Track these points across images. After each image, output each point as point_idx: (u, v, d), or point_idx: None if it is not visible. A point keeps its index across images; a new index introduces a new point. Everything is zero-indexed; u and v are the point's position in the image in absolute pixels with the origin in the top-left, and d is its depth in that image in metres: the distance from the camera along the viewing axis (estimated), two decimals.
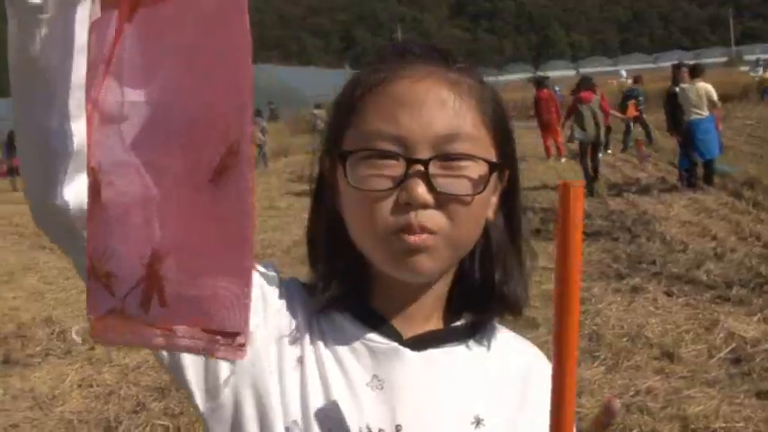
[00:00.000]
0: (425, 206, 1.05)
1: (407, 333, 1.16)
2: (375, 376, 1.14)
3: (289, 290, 1.20)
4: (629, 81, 28.63)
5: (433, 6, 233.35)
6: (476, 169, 1.08)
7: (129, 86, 0.86)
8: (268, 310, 1.15)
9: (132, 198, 0.87)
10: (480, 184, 1.08)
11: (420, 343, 1.16)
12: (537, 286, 8.38)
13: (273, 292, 1.17)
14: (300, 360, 1.14)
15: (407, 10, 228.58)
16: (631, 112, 20.28)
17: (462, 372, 1.18)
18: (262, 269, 1.19)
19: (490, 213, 1.16)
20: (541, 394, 1.23)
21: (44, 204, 1.00)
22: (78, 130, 0.94)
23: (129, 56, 0.86)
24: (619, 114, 18.80)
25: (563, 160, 19.46)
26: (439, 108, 1.07)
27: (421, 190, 1.04)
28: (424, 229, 1.06)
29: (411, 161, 1.05)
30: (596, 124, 15.12)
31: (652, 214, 11.78)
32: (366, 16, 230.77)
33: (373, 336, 1.15)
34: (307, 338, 1.16)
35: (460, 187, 1.07)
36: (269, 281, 1.18)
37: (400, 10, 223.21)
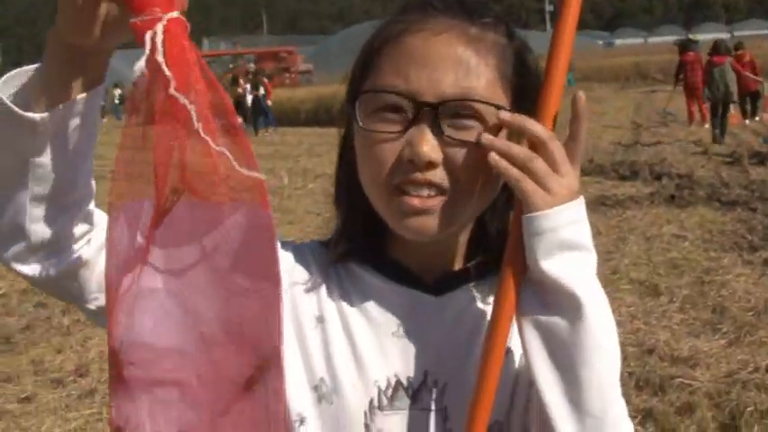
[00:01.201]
0: (431, 164, 1.04)
1: (429, 279, 1.17)
2: (400, 325, 1.15)
3: (300, 254, 1.22)
4: None
5: None
6: (486, 122, 1.06)
7: (163, 275, 0.88)
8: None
9: (154, 379, 0.89)
10: (492, 132, 1.05)
11: (441, 287, 1.17)
12: (664, 254, 8.19)
13: (281, 262, 1.17)
14: (321, 319, 1.16)
15: None
16: None
17: (486, 309, 1.16)
18: None
19: None
20: None
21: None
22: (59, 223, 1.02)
23: (168, 248, 0.88)
24: (751, 76, 17.95)
25: (706, 126, 18.68)
26: (452, 66, 1.05)
27: (426, 147, 1.03)
28: (430, 185, 1.05)
29: (420, 104, 1.04)
30: (726, 86, 15.91)
31: None
32: None
33: (395, 285, 1.16)
34: (325, 296, 1.17)
35: (468, 135, 1.05)
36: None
37: None
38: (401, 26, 1.10)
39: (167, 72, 0.82)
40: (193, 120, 0.82)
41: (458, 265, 1.20)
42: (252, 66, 39.61)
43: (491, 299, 1.15)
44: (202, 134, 0.82)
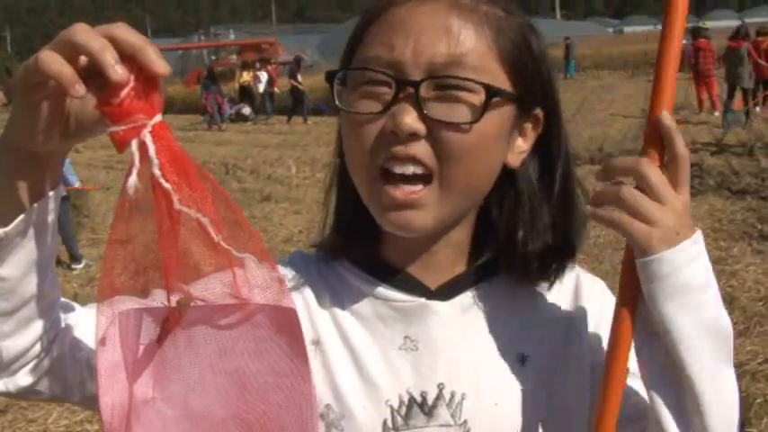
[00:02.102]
0: (414, 136, 0.96)
1: (433, 284, 1.09)
2: (407, 338, 1.07)
3: (287, 272, 1.14)
4: None
5: None
6: (474, 97, 0.97)
7: (166, 393, 0.84)
8: None
9: None
10: (477, 111, 0.97)
11: (447, 292, 1.09)
12: None
13: None
14: (317, 342, 1.08)
15: None
16: None
17: (497, 312, 1.11)
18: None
19: (514, 159, 1.06)
20: (597, 309, 1.16)
21: None
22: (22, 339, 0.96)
23: (176, 360, 0.84)
24: (762, 62, 17.87)
25: (716, 114, 18.58)
26: (439, 34, 0.97)
27: (408, 119, 0.95)
28: (414, 162, 0.97)
29: (401, 83, 0.97)
30: (737, 70, 16.24)
31: None
32: None
33: (397, 294, 1.08)
34: (321, 316, 1.10)
35: (455, 114, 0.97)
36: None
37: None
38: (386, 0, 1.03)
39: (167, 185, 0.78)
40: (210, 233, 0.79)
41: (460, 265, 1.12)
42: (234, 57, 39.65)
43: (502, 300, 1.11)
44: (223, 245, 0.80)
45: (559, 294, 1.16)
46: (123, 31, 0.79)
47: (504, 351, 1.09)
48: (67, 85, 0.77)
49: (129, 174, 0.79)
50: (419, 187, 0.98)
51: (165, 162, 0.78)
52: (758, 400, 4.66)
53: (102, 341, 0.81)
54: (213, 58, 44.26)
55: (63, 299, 1.03)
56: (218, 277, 0.82)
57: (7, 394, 1.01)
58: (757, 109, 18.07)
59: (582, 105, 21.62)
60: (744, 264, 7.29)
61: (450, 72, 0.97)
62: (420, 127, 0.96)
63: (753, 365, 5.13)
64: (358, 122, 1.00)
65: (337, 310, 1.10)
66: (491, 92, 0.97)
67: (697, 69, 19.49)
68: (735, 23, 29.65)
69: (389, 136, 0.97)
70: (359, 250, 1.11)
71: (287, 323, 0.83)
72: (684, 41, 20.71)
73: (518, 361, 1.09)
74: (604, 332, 1.10)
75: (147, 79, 0.79)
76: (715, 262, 7.28)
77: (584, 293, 1.17)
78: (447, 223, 1.05)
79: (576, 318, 1.14)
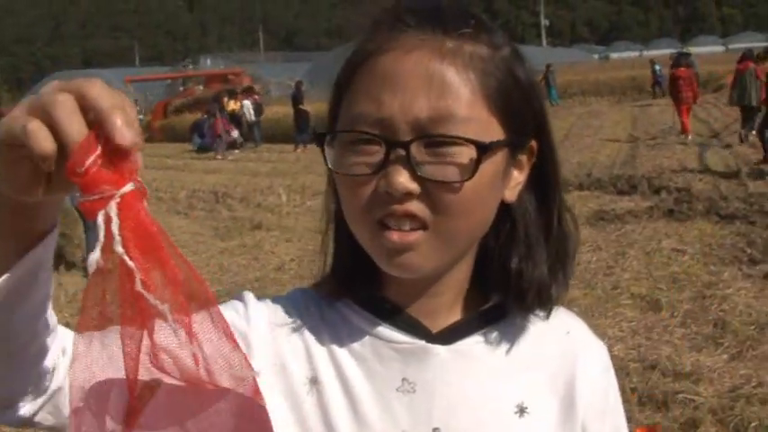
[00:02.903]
0: (409, 195, 0.96)
1: (433, 326, 1.08)
2: (405, 379, 1.06)
3: (282, 311, 1.12)
4: None
5: None
6: (465, 153, 0.95)
7: None
8: (252, 351, 1.04)
9: None
10: (469, 169, 0.95)
11: (448, 336, 1.08)
12: (664, 268, 8.18)
13: (255, 327, 1.08)
14: (314, 380, 1.06)
15: None
16: None
17: (498, 359, 1.10)
18: (236, 307, 1.10)
19: (510, 194, 1.05)
20: (603, 380, 1.16)
21: None
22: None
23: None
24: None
25: (689, 138, 19.07)
26: (425, 86, 0.95)
27: (402, 179, 0.94)
28: (411, 217, 0.97)
29: (391, 144, 0.96)
30: (746, 91, 16.40)
31: None
32: None
33: (398, 335, 1.07)
34: (319, 354, 1.08)
35: (447, 173, 0.96)
36: (248, 318, 1.08)
37: None
38: (371, 46, 1.00)
39: (130, 263, 0.72)
40: (168, 319, 0.73)
41: (460, 306, 1.11)
42: (200, 88, 39.78)
43: (504, 349, 1.10)
44: (180, 333, 0.74)
45: (564, 349, 1.15)
46: (95, 92, 0.73)
47: (503, 400, 1.08)
48: (41, 162, 0.73)
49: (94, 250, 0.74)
50: (416, 229, 0.98)
51: (131, 237, 0.73)
52: (753, 424, 4.68)
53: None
54: (181, 88, 44.38)
55: (59, 326, 0.99)
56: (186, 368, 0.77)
57: (8, 423, 0.99)
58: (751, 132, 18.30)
59: (570, 132, 21.74)
60: (735, 288, 7.33)
61: (439, 129, 0.95)
62: (414, 186, 0.95)
63: (747, 389, 5.15)
64: (351, 183, 1.00)
65: (336, 349, 1.08)
66: (481, 148, 0.96)
67: (678, 97, 20.06)
68: (719, 49, 30.14)
69: (383, 195, 0.97)
70: (361, 291, 1.10)
71: (257, 420, 0.79)
72: (657, 68, 21.71)
73: (516, 412, 1.08)
74: (606, 403, 1.13)
75: (116, 147, 0.72)
76: (706, 287, 7.39)
77: (589, 358, 1.16)
78: (446, 266, 1.05)
79: (579, 378, 1.14)
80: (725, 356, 5.81)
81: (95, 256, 0.73)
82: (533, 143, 1.06)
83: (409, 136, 0.95)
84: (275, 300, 1.15)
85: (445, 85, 0.96)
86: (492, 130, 0.99)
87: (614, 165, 15.57)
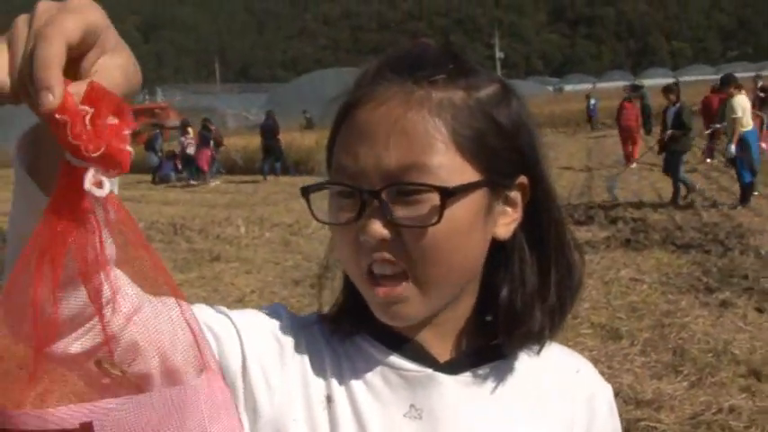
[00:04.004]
0: (384, 242, 0.99)
1: (442, 356, 1.10)
2: (413, 406, 1.07)
3: (308, 328, 1.14)
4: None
5: (531, 12, 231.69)
6: (431, 198, 0.97)
7: None
8: (285, 357, 1.08)
9: None
10: (435, 214, 0.97)
11: (456, 366, 1.10)
12: (623, 297, 8.26)
13: (289, 336, 1.11)
14: (329, 398, 1.08)
15: (505, 15, 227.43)
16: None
17: (504, 392, 1.11)
18: (273, 314, 1.14)
19: (503, 231, 1.07)
20: (607, 424, 1.19)
21: None
22: None
23: None
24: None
25: (633, 166, 19.99)
26: (392, 136, 0.97)
27: (375, 226, 0.98)
28: (391, 263, 1.00)
29: (364, 193, 0.99)
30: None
31: (747, 227, 11.40)
32: (464, 21, 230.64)
33: (407, 363, 1.09)
34: (333, 374, 1.10)
35: (415, 219, 0.98)
36: (283, 326, 1.12)
37: (498, 15, 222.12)
38: (351, 99, 1.03)
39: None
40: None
41: (468, 338, 1.13)
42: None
43: (509, 383, 1.12)
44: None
45: (571, 388, 1.17)
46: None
47: None
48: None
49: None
50: (399, 284, 1.00)
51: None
52: None
53: None
54: None
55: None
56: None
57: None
58: (708, 160, 18.73)
59: None
60: (692, 316, 7.43)
61: (406, 178, 0.97)
62: (386, 233, 0.98)
63: (707, 415, 5.22)
64: (339, 231, 1.04)
65: (348, 372, 1.10)
66: (444, 193, 0.97)
67: (620, 126, 21.18)
68: (669, 80, 30.72)
69: (365, 243, 1.00)
70: (370, 322, 1.11)
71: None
72: (592, 101, 22.42)
73: None
74: None
75: None
76: (665, 315, 7.48)
77: (596, 400, 1.19)
78: (439, 308, 1.07)
79: (584, 419, 1.16)
80: (685, 384, 5.88)
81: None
82: (524, 179, 1.06)
83: (380, 185, 0.98)
84: (301, 317, 1.18)
85: (412, 135, 0.97)
86: (464, 174, 0.99)
87: (570, 195, 15.74)
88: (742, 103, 13.82)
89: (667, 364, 6.31)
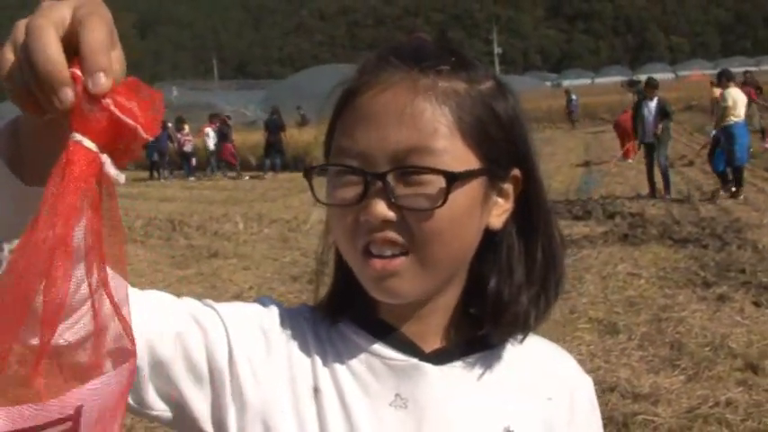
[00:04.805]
0: (387, 222, 1.01)
1: (427, 347, 1.12)
2: (398, 395, 1.09)
3: (295, 319, 1.16)
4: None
5: (529, 7, 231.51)
6: (436, 182, 1.00)
7: None
8: (271, 348, 1.10)
9: None
10: (440, 197, 0.99)
11: (441, 357, 1.12)
12: (620, 292, 8.28)
13: (276, 327, 1.13)
14: (316, 389, 1.10)
15: (503, 10, 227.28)
16: None
17: (488, 383, 1.13)
18: (260, 306, 1.16)
19: (496, 221, 1.09)
20: (587, 416, 1.22)
21: None
22: None
23: None
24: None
25: (629, 161, 20.18)
26: (398, 120, 1.00)
27: (380, 208, 1.00)
28: (391, 244, 1.01)
29: (368, 175, 1.01)
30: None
31: (745, 222, 11.44)
32: (461, 16, 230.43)
33: (392, 353, 1.10)
34: (320, 365, 1.11)
35: (420, 202, 1.00)
36: (269, 318, 1.14)
37: (496, 10, 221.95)
38: (354, 86, 1.05)
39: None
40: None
41: (453, 329, 1.14)
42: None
43: (494, 372, 1.14)
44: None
45: (552, 380, 1.19)
46: (86, 30, 0.71)
47: (491, 423, 1.11)
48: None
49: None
50: (397, 258, 1.02)
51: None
52: None
53: None
54: None
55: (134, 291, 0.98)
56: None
57: None
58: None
59: None
60: (690, 311, 7.45)
61: (412, 161, 0.99)
62: (391, 215, 1.00)
63: (704, 409, 5.23)
64: (337, 212, 1.05)
65: (334, 362, 1.12)
66: (450, 177, 0.99)
67: (617, 122, 21.43)
68: (669, 76, 30.81)
69: (365, 224, 1.01)
70: (357, 310, 1.14)
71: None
72: (573, 97, 22.53)
73: None
74: None
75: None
76: (662, 310, 7.50)
77: (576, 392, 1.21)
78: (433, 290, 1.08)
79: (564, 409, 1.19)
80: (682, 378, 5.90)
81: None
82: (517, 172, 1.09)
83: (386, 167, 1.00)
84: (289, 308, 1.19)
85: (419, 119, 1.00)
86: (467, 161, 1.02)
87: (568, 191, 15.77)
88: (734, 94, 13.92)
89: (664, 358, 6.32)
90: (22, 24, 0.74)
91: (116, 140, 0.72)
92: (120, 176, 0.74)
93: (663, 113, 14.46)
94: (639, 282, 8.67)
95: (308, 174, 1.09)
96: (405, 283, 1.03)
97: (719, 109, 14.26)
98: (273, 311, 1.15)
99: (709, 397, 5.46)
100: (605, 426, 4.50)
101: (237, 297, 9.46)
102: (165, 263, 12.11)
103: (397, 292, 1.04)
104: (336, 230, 1.08)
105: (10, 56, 0.74)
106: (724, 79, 14.61)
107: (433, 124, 1.00)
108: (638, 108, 15.27)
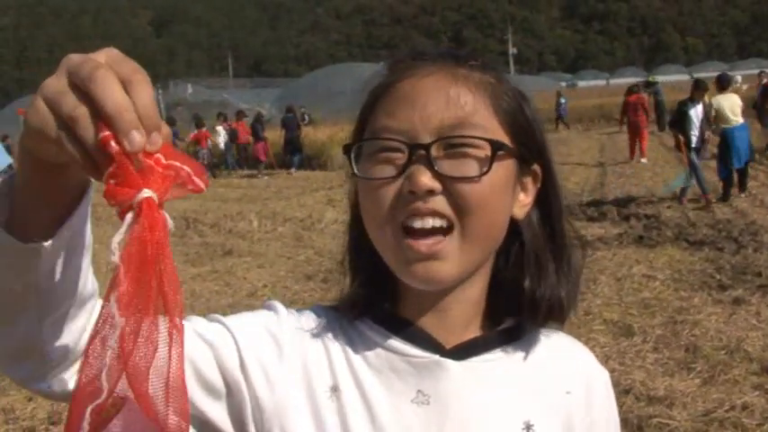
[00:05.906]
0: (431, 193, 1.03)
1: (448, 342, 1.13)
2: (420, 391, 1.11)
3: (307, 321, 1.17)
4: (745, 87, 28.22)
5: (544, 7, 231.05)
6: (481, 151, 1.05)
7: None
8: (283, 351, 1.11)
9: None
10: (485, 164, 1.04)
11: (462, 352, 1.13)
12: (635, 294, 8.24)
13: (286, 331, 1.14)
14: (335, 388, 1.11)
15: (518, 10, 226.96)
16: None
17: (508, 378, 1.15)
18: (267, 311, 1.18)
19: (519, 212, 1.14)
20: (604, 407, 1.23)
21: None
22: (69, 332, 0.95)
23: None
24: None
25: (643, 161, 20.26)
26: (442, 100, 1.06)
27: (424, 178, 1.02)
28: (435, 215, 1.03)
29: (412, 147, 1.04)
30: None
31: (761, 224, 11.35)
32: (477, 16, 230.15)
33: (414, 350, 1.12)
34: (339, 364, 1.13)
35: (465, 169, 1.04)
36: (278, 321, 1.15)
37: (511, 10, 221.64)
38: (392, 77, 1.10)
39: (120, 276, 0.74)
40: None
41: (474, 325, 1.17)
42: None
43: (515, 369, 1.16)
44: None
45: (571, 375, 1.21)
46: (99, 92, 0.73)
47: (511, 418, 1.13)
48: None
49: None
50: (441, 238, 1.04)
51: (130, 247, 0.74)
52: None
53: None
54: None
55: None
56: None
57: (52, 396, 1.01)
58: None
59: None
60: (705, 314, 7.41)
61: (458, 132, 1.04)
62: (436, 185, 1.03)
63: (720, 413, 5.21)
64: (376, 187, 1.07)
65: (354, 361, 1.13)
66: (496, 145, 1.05)
67: (629, 122, 21.39)
68: (684, 77, 30.72)
69: (407, 196, 1.04)
70: (377, 307, 1.15)
71: None
72: (562, 100, 22.43)
73: (523, 428, 1.13)
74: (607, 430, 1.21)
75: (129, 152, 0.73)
76: (677, 312, 7.46)
77: (593, 386, 1.23)
78: (467, 274, 1.10)
79: (582, 404, 1.20)
80: (697, 381, 5.87)
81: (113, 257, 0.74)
82: (537, 168, 1.15)
83: (430, 139, 1.04)
84: (299, 310, 1.21)
85: (460, 100, 1.06)
86: (503, 140, 1.08)
87: (583, 192, 15.71)
88: (720, 101, 13.84)
89: (680, 361, 6.30)
90: (51, 83, 0.76)
91: (169, 191, 0.76)
92: (171, 223, 0.78)
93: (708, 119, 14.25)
94: (654, 284, 8.63)
95: (348, 150, 1.12)
96: (446, 266, 1.05)
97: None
98: (282, 315, 1.16)
99: (725, 401, 5.43)
100: (620, 428, 4.44)
101: (251, 295, 9.47)
102: (179, 260, 12.13)
103: (437, 276, 1.06)
104: (372, 210, 1.09)
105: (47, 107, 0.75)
106: (717, 85, 14.45)
107: (473, 105, 1.06)
108: (681, 111, 14.89)
